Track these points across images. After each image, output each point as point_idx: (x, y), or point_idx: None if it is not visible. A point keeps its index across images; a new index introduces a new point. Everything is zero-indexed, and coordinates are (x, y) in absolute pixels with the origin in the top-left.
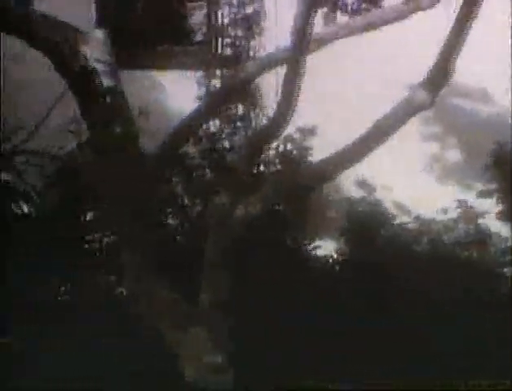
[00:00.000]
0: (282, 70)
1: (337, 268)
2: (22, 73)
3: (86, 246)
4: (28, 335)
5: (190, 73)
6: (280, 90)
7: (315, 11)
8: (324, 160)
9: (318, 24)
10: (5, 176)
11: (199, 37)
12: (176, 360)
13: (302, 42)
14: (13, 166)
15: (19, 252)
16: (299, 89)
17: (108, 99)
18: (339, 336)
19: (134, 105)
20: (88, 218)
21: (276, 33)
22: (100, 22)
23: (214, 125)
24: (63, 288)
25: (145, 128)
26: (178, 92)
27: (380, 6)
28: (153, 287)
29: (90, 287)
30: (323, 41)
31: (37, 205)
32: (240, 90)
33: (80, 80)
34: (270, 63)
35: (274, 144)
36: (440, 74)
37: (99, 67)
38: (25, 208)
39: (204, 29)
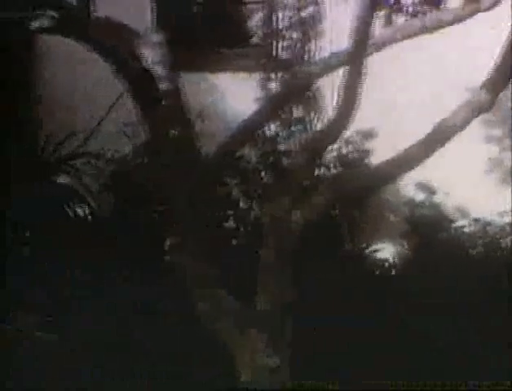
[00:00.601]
0: (339, 73)
1: (394, 272)
2: (77, 76)
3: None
4: None
5: (247, 76)
6: (338, 93)
7: (375, 14)
8: (383, 163)
9: (375, 27)
10: (61, 179)
11: (256, 40)
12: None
13: (361, 45)
14: (69, 169)
15: (74, 255)
16: (359, 92)
17: (166, 102)
18: (395, 339)
19: (191, 108)
20: (144, 221)
21: (332, 37)
22: (158, 25)
23: (270, 128)
24: (126, 288)
25: (202, 131)
26: (234, 95)
27: (440, 8)
28: (212, 289)
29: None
30: (381, 44)
31: (92, 208)
32: (298, 94)
33: (138, 83)
34: (326, 67)
35: (332, 147)
36: (501, 76)
37: (157, 69)
38: (80, 211)
39: (260, 32)
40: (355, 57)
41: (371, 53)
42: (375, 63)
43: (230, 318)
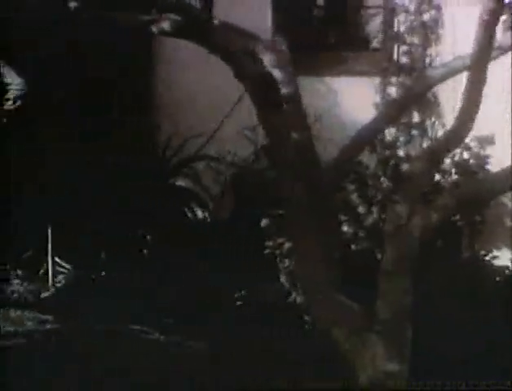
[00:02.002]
0: (461, 78)
1: None
2: (197, 80)
3: (266, 251)
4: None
5: (366, 80)
6: (459, 99)
7: (498, 19)
8: (502, 170)
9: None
10: (180, 182)
11: (375, 44)
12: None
13: (485, 50)
14: (189, 172)
15: (192, 256)
16: (481, 98)
17: (287, 106)
18: None
19: (309, 112)
20: (264, 224)
21: (454, 41)
22: (278, 28)
23: (389, 133)
24: (241, 293)
25: (320, 135)
26: (352, 99)
27: None
28: (329, 293)
29: (267, 293)
30: (502, 49)
31: (211, 211)
32: (418, 98)
33: (258, 86)
34: (448, 71)
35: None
36: None
37: (277, 73)
38: (200, 214)
39: (380, 36)
40: (479, 62)
41: (493, 58)
42: (494, 68)
43: (348, 323)
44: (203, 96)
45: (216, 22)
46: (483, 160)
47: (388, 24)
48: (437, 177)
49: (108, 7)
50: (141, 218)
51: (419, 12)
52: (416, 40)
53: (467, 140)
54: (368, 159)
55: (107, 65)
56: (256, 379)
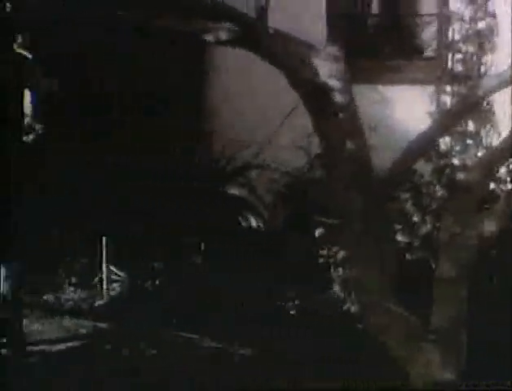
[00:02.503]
0: None
1: None
2: (251, 88)
3: (320, 260)
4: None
5: (420, 89)
6: None
7: None
8: None
9: None
10: (234, 190)
11: (430, 53)
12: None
13: None
14: (243, 181)
15: (246, 265)
16: None
17: (342, 115)
18: None
19: (363, 121)
20: (318, 234)
21: (509, 50)
22: (332, 37)
23: (444, 142)
24: (295, 302)
25: (374, 144)
26: (406, 108)
27: None
28: (383, 303)
29: (321, 302)
30: None
31: (265, 219)
32: (473, 107)
33: (313, 95)
34: (503, 80)
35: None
36: None
37: (332, 82)
38: (254, 222)
39: (434, 45)
40: None
41: None
42: None
43: (401, 332)
44: (257, 105)
45: (271, 31)
46: None
47: (443, 32)
48: (492, 185)
49: (162, 16)
50: (195, 226)
51: (474, 20)
52: (471, 48)
53: None
54: (422, 168)
55: (160, 74)
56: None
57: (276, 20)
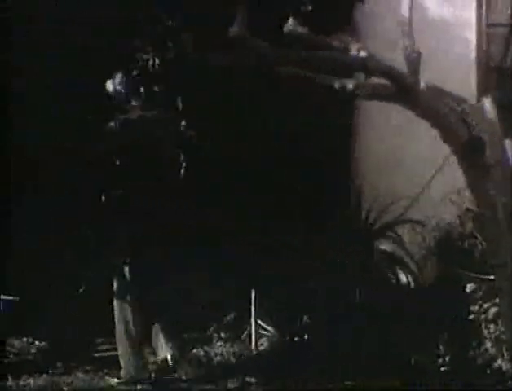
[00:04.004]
0: None
1: None
2: (399, 144)
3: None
4: None
5: None
6: None
7: None
8: None
9: None
10: (384, 245)
11: None
12: None
13: None
14: (392, 236)
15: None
16: None
17: (494, 170)
18: None
19: None
20: (469, 289)
21: None
22: (484, 91)
23: None
24: (445, 359)
25: None
26: None
27: None
28: None
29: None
30: None
31: (416, 275)
32: None
33: (467, 150)
34: None
35: None
36: None
37: (486, 137)
38: (403, 278)
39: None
40: None
41: None
42: None
43: None
44: (406, 161)
45: (423, 85)
46: None
47: None
48: None
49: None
50: (343, 283)
51: None
52: None
53: None
54: None
55: (308, 126)
56: None
57: (426, 74)
